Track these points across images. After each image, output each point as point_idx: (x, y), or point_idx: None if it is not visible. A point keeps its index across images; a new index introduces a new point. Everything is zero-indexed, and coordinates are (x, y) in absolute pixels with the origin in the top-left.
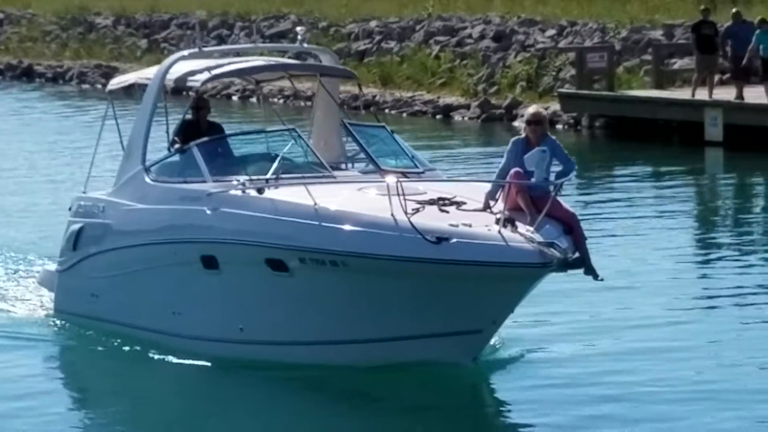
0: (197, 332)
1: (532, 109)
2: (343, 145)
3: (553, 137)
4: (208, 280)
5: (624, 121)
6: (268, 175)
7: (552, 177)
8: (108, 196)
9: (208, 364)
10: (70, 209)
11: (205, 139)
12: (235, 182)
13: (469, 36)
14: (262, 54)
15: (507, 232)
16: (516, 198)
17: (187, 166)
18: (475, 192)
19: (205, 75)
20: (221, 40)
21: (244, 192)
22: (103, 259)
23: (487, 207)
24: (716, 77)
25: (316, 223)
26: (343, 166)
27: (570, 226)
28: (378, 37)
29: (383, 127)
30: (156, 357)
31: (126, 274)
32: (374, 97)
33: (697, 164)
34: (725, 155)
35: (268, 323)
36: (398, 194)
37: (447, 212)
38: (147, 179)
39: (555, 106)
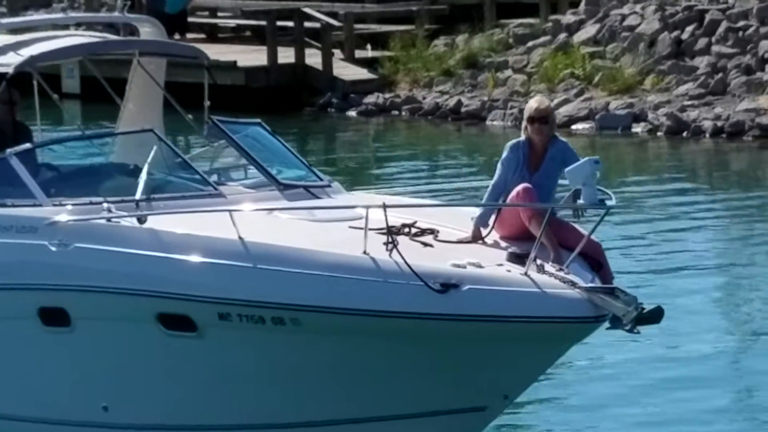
0: (27, 411)
1: (534, 102)
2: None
3: (564, 139)
4: (49, 341)
5: None
6: (137, 196)
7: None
8: None
9: None
10: None
11: (26, 145)
12: (83, 206)
13: None
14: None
15: (535, 275)
16: (525, 224)
17: (3, 182)
18: (442, 216)
19: (13, 57)
20: None
21: (110, 221)
22: None
23: (477, 237)
24: None
25: (249, 264)
26: (213, 178)
27: (598, 262)
28: None
29: (259, 123)
30: None
31: None
32: None
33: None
34: (83, 107)
35: (152, 401)
36: (386, 221)
37: (431, 246)
38: None
39: None
